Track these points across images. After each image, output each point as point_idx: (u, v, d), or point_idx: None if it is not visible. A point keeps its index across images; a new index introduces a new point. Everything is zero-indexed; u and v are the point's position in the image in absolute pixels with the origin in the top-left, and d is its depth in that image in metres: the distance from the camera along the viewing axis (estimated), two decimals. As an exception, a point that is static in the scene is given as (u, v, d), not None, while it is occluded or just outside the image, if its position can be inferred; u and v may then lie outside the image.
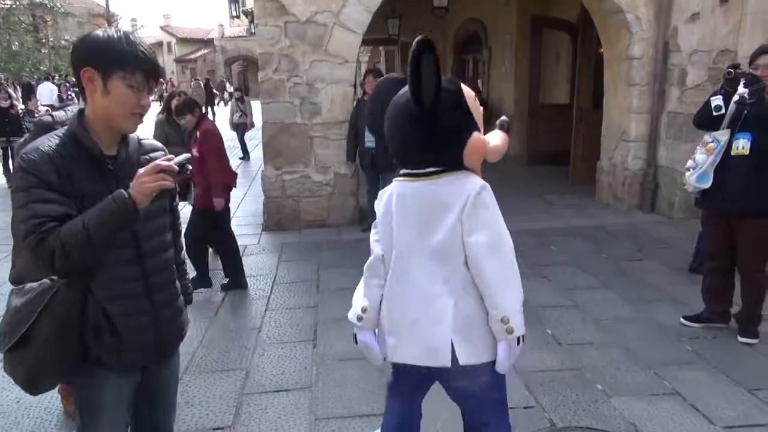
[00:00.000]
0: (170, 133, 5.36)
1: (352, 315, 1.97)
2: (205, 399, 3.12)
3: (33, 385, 1.67)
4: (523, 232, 6.15)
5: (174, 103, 5.40)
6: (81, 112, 1.62)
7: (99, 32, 1.60)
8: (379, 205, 1.96)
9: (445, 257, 1.81)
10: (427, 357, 1.83)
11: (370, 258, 1.98)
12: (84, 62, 1.56)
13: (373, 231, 2.03)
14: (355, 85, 6.69)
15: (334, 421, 2.89)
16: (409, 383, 2.11)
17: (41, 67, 30.12)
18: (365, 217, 6.52)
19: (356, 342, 2.01)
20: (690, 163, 3.71)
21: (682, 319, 3.90)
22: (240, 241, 5.95)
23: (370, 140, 5.96)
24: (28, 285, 1.62)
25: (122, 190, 1.50)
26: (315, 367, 3.43)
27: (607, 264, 5.18)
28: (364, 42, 6.50)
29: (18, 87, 17.44)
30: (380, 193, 2.00)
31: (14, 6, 30.34)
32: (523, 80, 10.15)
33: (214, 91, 23.40)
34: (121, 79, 1.55)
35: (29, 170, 1.50)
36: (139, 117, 1.62)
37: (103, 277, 1.61)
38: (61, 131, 1.60)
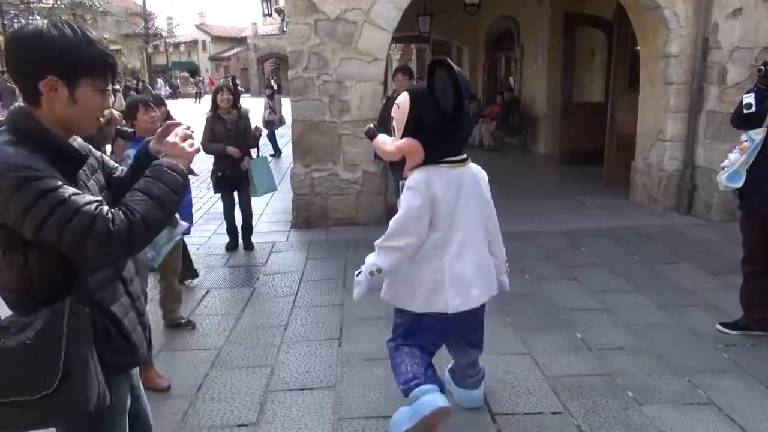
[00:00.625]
0: (218, 129, 5.43)
1: (368, 265, 2.57)
2: (231, 395, 3.14)
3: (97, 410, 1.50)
4: (554, 233, 6.05)
5: (219, 97, 5.51)
6: (29, 114, 1.43)
7: (46, 29, 1.40)
8: (426, 192, 2.44)
9: (486, 224, 2.64)
10: (488, 294, 2.61)
11: (409, 242, 2.50)
12: (44, 68, 1.39)
13: (413, 215, 2.47)
14: (384, 83, 6.66)
15: (357, 421, 2.88)
16: (449, 328, 2.63)
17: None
18: (393, 216, 6.47)
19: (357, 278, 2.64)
20: (725, 162, 3.61)
21: (718, 326, 3.77)
22: (268, 238, 6.03)
23: (398, 139, 5.93)
24: (11, 321, 1.42)
25: (167, 159, 1.54)
26: (340, 366, 3.42)
27: (640, 267, 5.04)
28: (395, 40, 6.47)
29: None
30: (414, 182, 2.48)
31: (56, 6, 31.19)
32: (556, 78, 9.97)
33: (240, 88, 24.71)
34: (89, 85, 1.44)
35: (36, 177, 1.34)
36: (101, 120, 1.55)
37: (100, 283, 1.53)
38: (5, 137, 1.39)
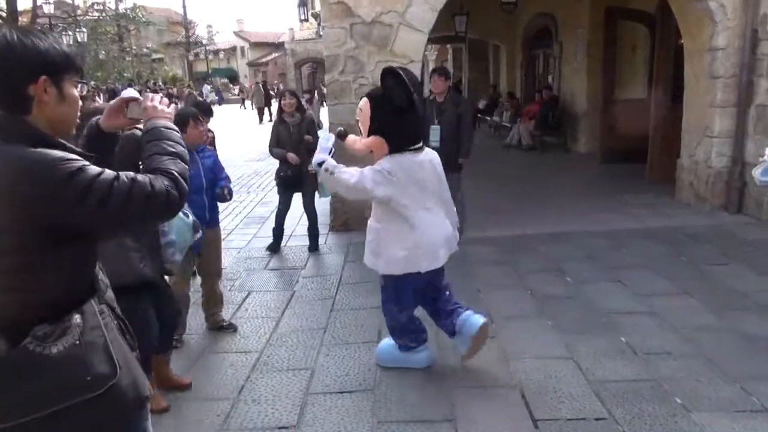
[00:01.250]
0: (282, 133, 5.55)
1: (330, 166, 3.06)
2: (271, 397, 3.17)
3: (145, 401, 1.57)
4: (595, 234, 5.92)
5: (284, 102, 5.71)
6: (22, 121, 1.42)
7: (15, 37, 1.40)
8: (405, 169, 3.04)
9: (442, 196, 3.26)
10: (450, 253, 3.22)
11: (360, 185, 3.01)
12: (33, 71, 1.40)
13: (382, 178, 2.99)
14: (421, 85, 6.63)
15: (396, 425, 2.87)
16: (430, 283, 3.29)
17: (125, 74, 31.92)
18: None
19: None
20: (766, 156, 3.49)
21: (772, 330, 3.62)
22: (307, 242, 6.05)
23: (435, 140, 5.90)
24: (47, 329, 1.39)
25: (160, 121, 1.60)
26: (378, 369, 3.42)
27: (687, 268, 4.88)
28: (431, 40, 6.45)
29: (104, 94, 18.58)
30: (393, 167, 3.00)
31: (101, 18, 32.28)
32: (596, 75, 9.76)
33: (271, 92, 25.60)
34: (70, 80, 1.49)
35: (84, 163, 1.38)
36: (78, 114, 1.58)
37: (100, 275, 1.58)
38: (19, 148, 1.36)
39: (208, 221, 3.81)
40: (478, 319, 3.21)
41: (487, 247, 5.68)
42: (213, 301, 4.04)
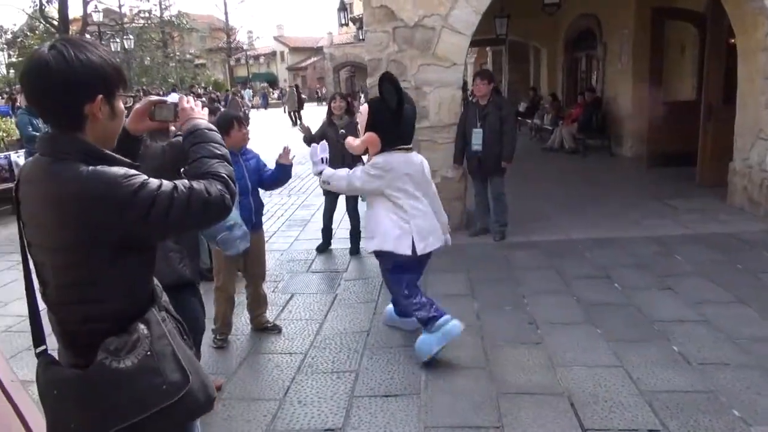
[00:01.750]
0: (329, 134, 5.63)
1: (327, 176, 3.60)
2: (317, 399, 3.19)
3: (213, 401, 1.59)
4: (643, 240, 5.77)
5: (333, 104, 5.81)
6: (76, 139, 1.42)
7: (68, 52, 1.37)
8: (395, 164, 3.46)
9: (430, 196, 3.69)
10: (438, 244, 3.64)
11: (361, 181, 3.52)
12: (91, 90, 1.40)
13: (374, 174, 3.47)
14: (463, 88, 6.60)
15: (444, 430, 2.84)
16: (419, 266, 3.72)
17: (169, 80, 32.75)
18: (473, 222, 6.41)
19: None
20: None
21: (836, 341, 3.46)
22: (349, 244, 6.08)
23: (477, 144, 5.86)
24: (117, 343, 1.42)
25: (200, 122, 1.64)
26: (424, 373, 3.40)
27: (743, 276, 4.70)
28: (470, 43, 6.38)
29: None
30: (385, 162, 3.45)
31: (147, 25, 33.25)
32: (643, 76, 9.52)
33: (303, 96, 26.32)
34: (120, 95, 1.50)
35: (144, 179, 1.40)
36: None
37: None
38: (80, 166, 1.37)
39: (254, 223, 3.87)
40: (458, 327, 3.48)
41: (531, 252, 5.59)
42: (258, 302, 4.09)
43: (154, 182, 1.40)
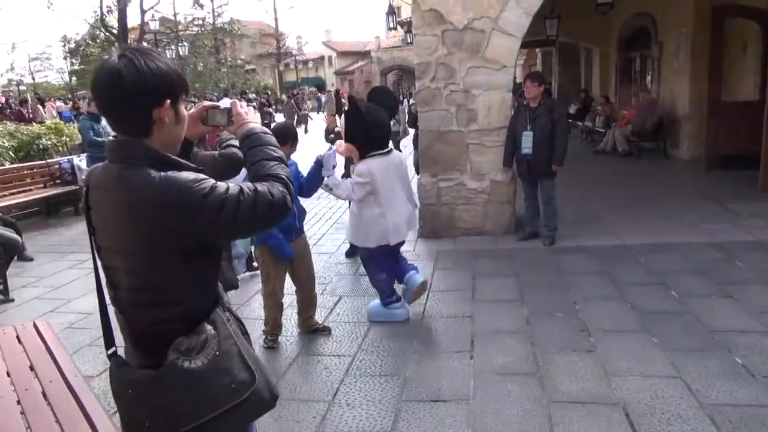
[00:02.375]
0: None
1: (331, 183, 3.95)
2: (365, 402, 3.20)
3: (277, 398, 1.62)
4: (703, 245, 5.55)
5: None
6: (144, 144, 1.47)
7: (138, 60, 1.43)
8: (375, 169, 3.99)
9: (407, 187, 4.33)
10: (410, 231, 4.40)
11: (356, 193, 4.03)
12: (159, 96, 1.46)
13: (362, 182, 3.99)
14: (513, 91, 6.51)
15: (493, 438, 2.81)
16: (394, 250, 4.31)
17: (221, 85, 33.62)
18: (522, 226, 6.31)
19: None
20: None
21: None
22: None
23: (527, 147, 5.77)
24: (187, 343, 1.46)
25: (255, 126, 1.67)
26: (472, 379, 3.36)
27: (811, 285, 4.46)
28: (520, 45, 6.30)
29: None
30: (366, 169, 3.98)
31: (200, 32, 34.27)
32: (701, 76, 9.17)
33: (342, 100, 26.52)
34: (183, 101, 1.55)
35: (213, 183, 1.44)
36: None
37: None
38: (151, 172, 1.42)
39: (297, 229, 3.94)
40: (419, 278, 4.26)
41: (582, 257, 5.47)
42: (307, 305, 4.14)
43: (221, 186, 1.44)
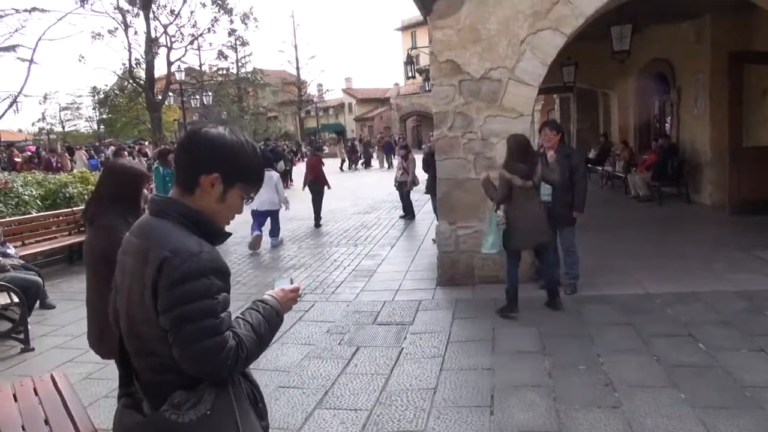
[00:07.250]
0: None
1: None
2: (382, 460, 3.11)
3: None
4: (729, 295, 5.40)
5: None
6: (180, 202, 1.55)
7: (228, 134, 1.57)
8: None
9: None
10: (270, 206, 8.58)
11: None
12: (212, 165, 1.52)
13: None
14: (530, 139, 6.53)
15: (515, 501, 2.69)
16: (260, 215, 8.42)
17: (243, 132, 34.41)
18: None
19: None
20: None
21: None
22: (414, 296, 6.04)
23: (546, 194, 5.74)
24: (182, 397, 1.46)
25: (278, 305, 1.65)
26: (493, 437, 3.26)
27: None
28: (538, 91, 6.36)
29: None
30: None
31: (224, 81, 35.34)
32: (721, 122, 9.14)
33: (356, 145, 28.63)
34: (240, 190, 1.58)
35: (218, 272, 1.47)
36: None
37: None
38: (183, 232, 1.49)
39: None
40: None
41: (605, 307, 5.35)
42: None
43: (223, 301, 1.46)
